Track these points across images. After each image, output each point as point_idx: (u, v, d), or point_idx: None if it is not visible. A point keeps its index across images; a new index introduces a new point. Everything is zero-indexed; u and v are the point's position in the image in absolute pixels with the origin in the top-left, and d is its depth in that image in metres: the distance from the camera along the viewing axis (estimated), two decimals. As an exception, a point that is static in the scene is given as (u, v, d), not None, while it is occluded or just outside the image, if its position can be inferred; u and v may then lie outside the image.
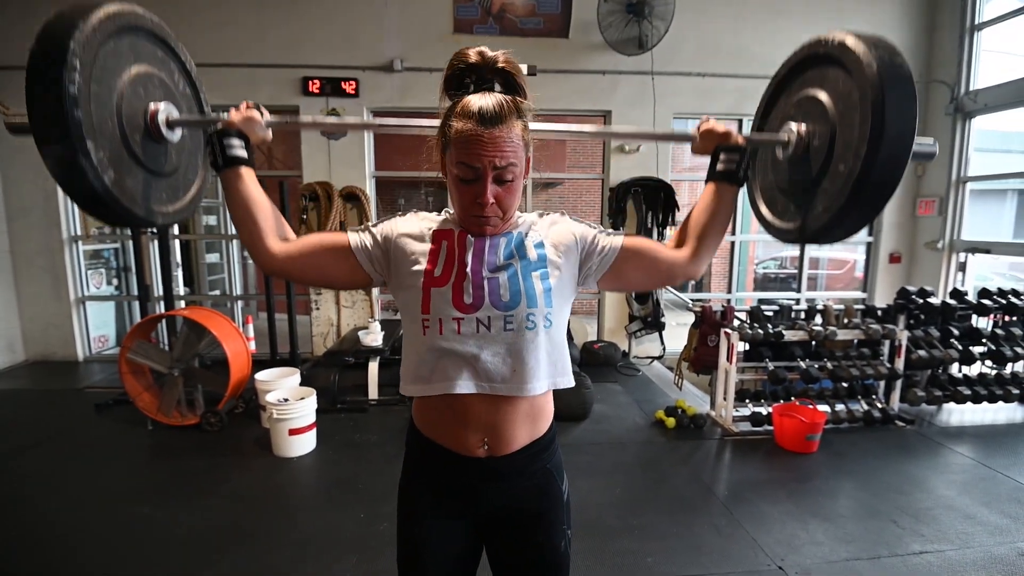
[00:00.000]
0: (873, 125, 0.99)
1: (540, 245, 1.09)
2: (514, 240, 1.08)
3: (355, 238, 1.10)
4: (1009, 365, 4.02)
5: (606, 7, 4.83)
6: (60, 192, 5.16)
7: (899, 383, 3.91)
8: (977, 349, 3.95)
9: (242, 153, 1.10)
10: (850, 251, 11.39)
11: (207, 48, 5.01)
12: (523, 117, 1.02)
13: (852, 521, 2.64)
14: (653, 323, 5.47)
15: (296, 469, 3.14)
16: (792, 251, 10.89)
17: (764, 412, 3.67)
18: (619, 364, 5.31)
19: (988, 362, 3.99)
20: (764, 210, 1.38)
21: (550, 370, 1.08)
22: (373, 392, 4.14)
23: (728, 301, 5.75)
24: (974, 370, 4.15)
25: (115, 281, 6.23)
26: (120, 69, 1.09)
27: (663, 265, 1.15)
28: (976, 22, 5.34)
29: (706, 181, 1.19)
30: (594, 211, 6.40)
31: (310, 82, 5.08)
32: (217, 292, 6.76)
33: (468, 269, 1.03)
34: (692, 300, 4.70)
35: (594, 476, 3.06)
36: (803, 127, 1.20)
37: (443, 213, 1.14)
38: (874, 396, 3.95)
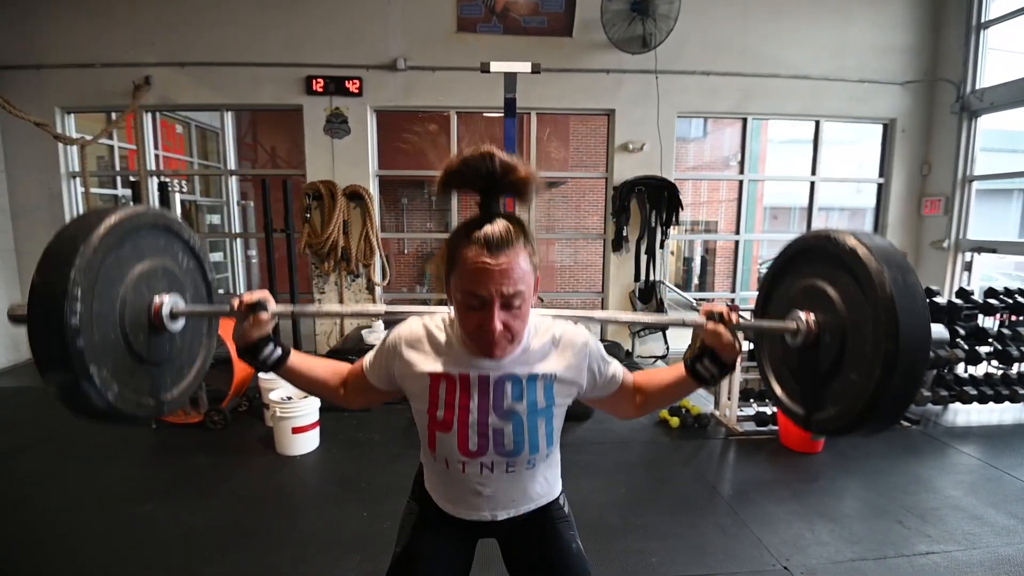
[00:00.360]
0: (887, 352, 0.95)
1: (550, 384, 1.08)
2: (524, 382, 1.07)
3: (370, 374, 1.18)
4: (1015, 365, 3.98)
5: (610, 6, 4.82)
6: (65, 191, 5.19)
7: (905, 383, 3.88)
8: (983, 349, 3.91)
9: (278, 353, 1.12)
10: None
11: (210, 47, 5.03)
12: (529, 239, 0.99)
13: (858, 521, 2.62)
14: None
15: (299, 468, 3.14)
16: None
17: (769, 412, 3.66)
18: (623, 363, 5.29)
19: (994, 362, 3.96)
20: (773, 383, 1.29)
21: (551, 483, 1.22)
22: (376, 391, 4.13)
23: (732, 300, 5.74)
24: (980, 370, 4.12)
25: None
26: (123, 276, 1.06)
27: (622, 409, 1.25)
28: (982, 20, 5.31)
29: (685, 364, 1.15)
30: (597, 210, 6.40)
31: (314, 81, 5.09)
32: (221, 291, 6.77)
33: (471, 418, 1.06)
34: (696, 300, 4.68)
35: (597, 476, 3.04)
36: (812, 317, 1.11)
37: (440, 320, 1.12)
38: (879, 396, 3.92)
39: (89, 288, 0.95)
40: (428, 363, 1.08)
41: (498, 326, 0.96)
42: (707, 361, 1.10)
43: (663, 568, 2.26)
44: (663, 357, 5.55)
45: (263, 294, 1.08)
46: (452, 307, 1.04)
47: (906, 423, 3.77)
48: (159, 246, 1.17)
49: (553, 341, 1.10)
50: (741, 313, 1.18)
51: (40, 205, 5.17)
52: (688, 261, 10.37)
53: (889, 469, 3.15)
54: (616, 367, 1.19)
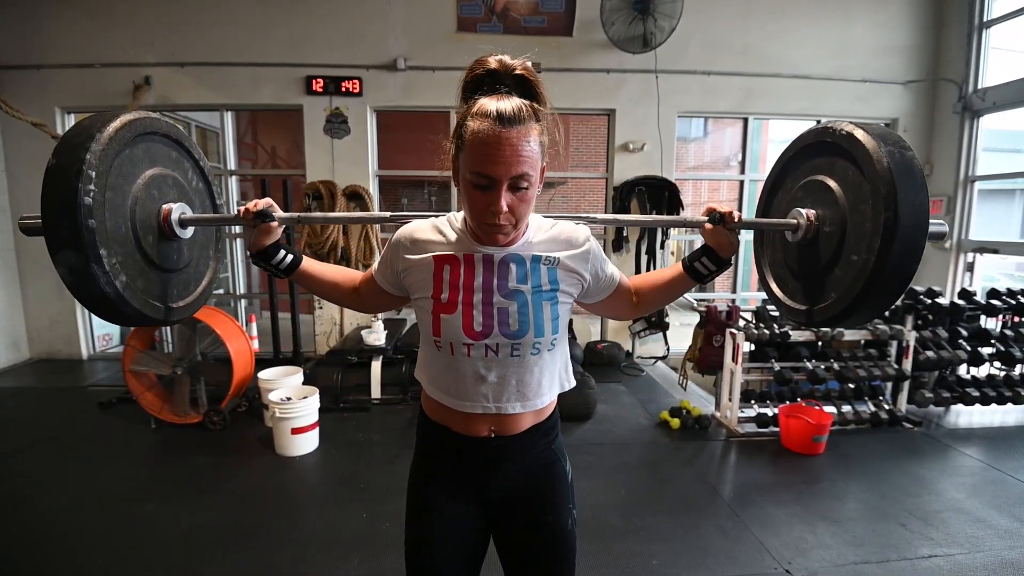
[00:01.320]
0: (886, 221, 1.00)
1: (553, 269, 1.09)
2: (528, 263, 1.07)
3: (378, 276, 1.18)
4: (1018, 366, 3.96)
5: (610, 5, 4.80)
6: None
7: (907, 384, 3.87)
8: (986, 350, 3.90)
9: (291, 258, 1.18)
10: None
11: (210, 47, 5.01)
12: (541, 124, 0.99)
13: (860, 524, 2.61)
14: (657, 323, 5.45)
15: (298, 468, 3.13)
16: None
17: (770, 413, 3.64)
18: (623, 364, 5.28)
19: (997, 363, 3.94)
20: (774, 286, 1.37)
21: (552, 384, 1.15)
22: (376, 391, 4.12)
23: (733, 301, 5.72)
24: (983, 371, 4.11)
25: (119, 280, 6.23)
26: (135, 174, 1.12)
27: (620, 309, 1.26)
28: (984, 19, 5.28)
29: (683, 263, 1.19)
30: (598, 210, 6.37)
31: (314, 81, 5.07)
32: (221, 291, 6.75)
33: (476, 297, 1.04)
34: (697, 300, 4.67)
35: (597, 477, 3.03)
36: (813, 213, 1.18)
37: (445, 219, 1.12)
38: (881, 397, 3.91)
39: (103, 175, 1.00)
40: (432, 249, 1.09)
41: (504, 207, 0.96)
42: (706, 259, 1.16)
43: (664, 570, 2.24)
44: (663, 358, 5.54)
45: (267, 202, 1.13)
46: (459, 190, 1.03)
47: (908, 424, 3.75)
48: (171, 157, 1.25)
49: (556, 236, 1.12)
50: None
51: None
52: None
53: (891, 471, 3.14)
54: (614, 269, 1.20)
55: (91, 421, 3.81)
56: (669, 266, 1.23)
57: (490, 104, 0.95)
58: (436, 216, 1.14)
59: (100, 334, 5.65)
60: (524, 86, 1.01)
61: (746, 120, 5.65)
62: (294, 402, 3.20)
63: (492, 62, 1.00)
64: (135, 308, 1.06)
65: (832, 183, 1.15)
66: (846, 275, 1.10)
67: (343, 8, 5.06)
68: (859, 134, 1.07)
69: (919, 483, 3.01)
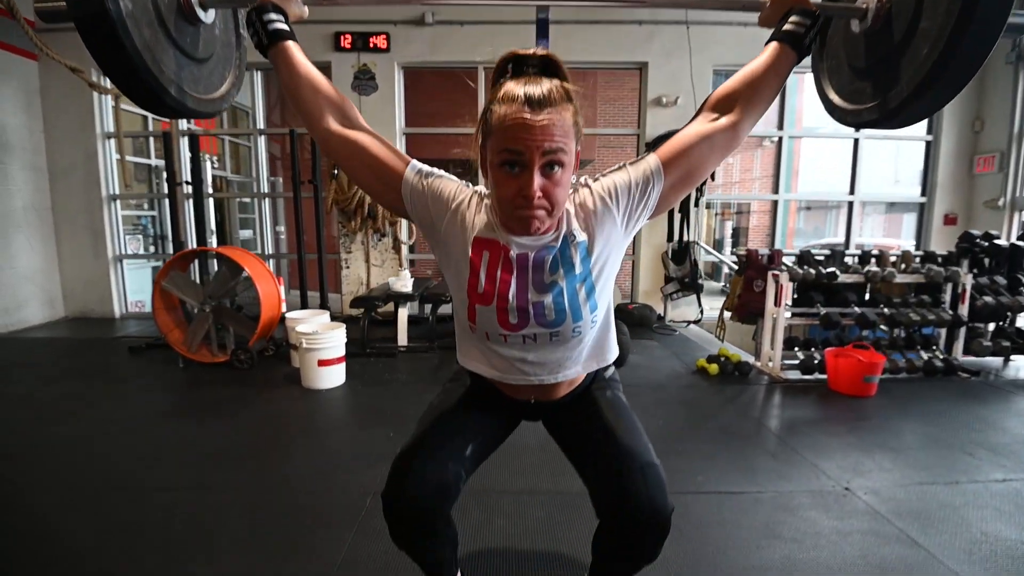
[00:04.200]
0: None
1: (583, 246, 1.01)
2: (558, 250, 1.00)
3: (410, 180, 1.03)
4: (1086, 315, 3.70)
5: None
6: (100, 151, 5.25)
7: (963, 332, 3.62)
8: (1049, 298, 3.64)
9: (284, 27, 1.04)
10: (895, 237, 10.96)
11: (241, 3, 5.03)
12: (574, 104, 0.93)
13: (922, 452, 2.41)
14: (691, 284, 5.25)
15: (324, 399, 3.06)
16: (833, 239, 10.48)
17: (817, 358, 3.43)
18: (655, 326, 5.12)
19: (1062, 312, 3.67)
20: (833, 96, 1.25)
21: (596, 354, 1.12)
22: (403, 339, 4.05)
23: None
24: (1046, 322, 3.85)
25: (152, 248, 6.33)
26: None
27: (714, 141, 1.03)
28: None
29: (767, 42, 1.06)
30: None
31: (342, 37, 5.05)
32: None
33: (511, 294, 1.00)
34: (733, 259, 4.48)
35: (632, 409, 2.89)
36: None
37: (484, 194, 1.05)
38: (935, 347, 3.67)
39: None
40: (475, 222, 1.02)
41: (537, 191, 0.89)
42: (792, 18, 1.04)
43: (710, 485, 2.09)
44: (697, 322, 5.35)
45: None
46: (487, 180, 0.97)
47: (964, 374, 3.51)
48: None
49: (581, 203, 1.03)
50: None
51: (76, 165, 5.25)
52: (721, 226, 9.99)
53: (950, 411, 2.92)
54: (645, 158, 1.03)
55: (121, 363, 3.82)
56: (756, 57, 1.07)
57: (517, 88, 0.90)
58: (476, 188, 1.07)
59: (133, 300, 5.72)
60: (549, 68, 0.96)
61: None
62: (321, 333, 3.14)
63: (519, 50, 0.97)
64: (135, 44, 0.98)
65: None
66: (920, 49, 0.97)
67: (371, -37, 5.04)
68: None
69: (983, 421, 2.79)
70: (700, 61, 5.12)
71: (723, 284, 7.93)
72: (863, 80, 1.16)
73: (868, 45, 1.12)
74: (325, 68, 5.16)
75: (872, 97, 1.13)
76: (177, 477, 2.15)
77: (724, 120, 1.03)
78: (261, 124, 5.53)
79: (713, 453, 2.36)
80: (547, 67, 0.95)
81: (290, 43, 1.04)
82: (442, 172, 1.06)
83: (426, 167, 1.05)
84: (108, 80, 1.06)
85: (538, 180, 0.89)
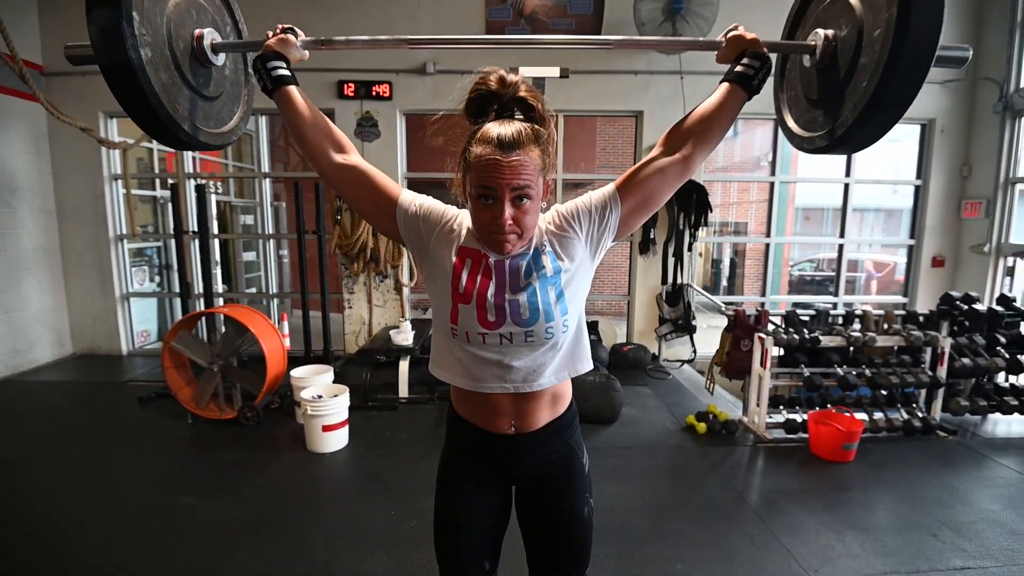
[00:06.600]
0: (900, 8, 1.05)
1: (553, 254, 1.13)
2: (531, 257, 1.12)
3: (404, 205, 1.15)
4: (1061, 375, 3.84)
5: (644, 7, 4.77)
6: (108, 192, 5.39)
7: (941, 392, 3.77)
8: (1025, 358, 3.78)
9: (286, 72, 1.20)
10: (891, 253, 11.05)
11: (246, 53, 5.15)
12: (541, 144, 1.07)
13: (890, 533, 2.57)
14: (684, 326, 5.41)
15: (328, 464, 3.21)
16: (829, 253, 10.61)
17: (799, 419, 3.60)
18: (648, 367, 5.27)
19: (1037, 371, 3.82)
20: (791, 124, 1.43)
21: (568, 363, 1.19)
22: (403, 391, 4.20)
23: (762, 304, 5.66)
24: (1022, 380, 3.99)
25: (157, 279, 6.47)
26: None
27: (666, 173, 1.14)
28: (1028, 17, 5.11)
29: (720, 82, 1.18)
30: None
31: (345, 85, 5.18)
32: (253, 290, 6.94)
33: (489, 293, 1.09)
34: (725, 303, 4.63)
35: (623, 481, 3.04)
36: (830, 32, 1.24)
37: (465, 217, 1.17)
38: (914, 405, 3.82)
39: None
40: (461, 235, 1.14)
41: (508, 219, 1.03)
42: (744, 60, 1.17)
43: (689, 575, 2.25)
44: (690, 361, 5.50)
45: (293, 27, 1.25)
46: (468, 207, 1.11)
47: (942, 433, 3.66)
48: None
49: (551, 219, 1.16)
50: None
51: (84, 205, 5.38)
52: (717, 263, 10.20)
53: (924, 480, 3.07)
54: (604, 187, 1.16)
55: (130, 414, 3.96)
56: (709, 96, 1.18)
57: (492, 130, 1.04)
58: (462, 210, 1.18)
59: (139, 331, 5.87)
60: (525, 105, 1.09)
61: (775, 120, 5.57)
62: (325, 400, 3.28)
63: (493, 82, 1.09)
64: (154, 89, 1.12)
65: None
66: (860, 82, 1.15)
67: (374, 13, 5.17)
68: None
69: (952, 493, 2.94)
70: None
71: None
72: (816, 109, 1.32)
73: (819, 78, 1.29)
74: (329, 114, 5.23)
75: (823, 125, 1.29)
76: (177, 558, 2.30)
77: (677, 155, 1.14)
78: (266, 168, 5.65)
79: (695, 537, 2.51)
80: (523, 105, 1.09)
81: (292, 87, 1.18)
82: (433, 198, 1.20)
83: (418, 195, 1.19)
84: (116, 132, 1.23)
85: (509, 211, 1.02)
